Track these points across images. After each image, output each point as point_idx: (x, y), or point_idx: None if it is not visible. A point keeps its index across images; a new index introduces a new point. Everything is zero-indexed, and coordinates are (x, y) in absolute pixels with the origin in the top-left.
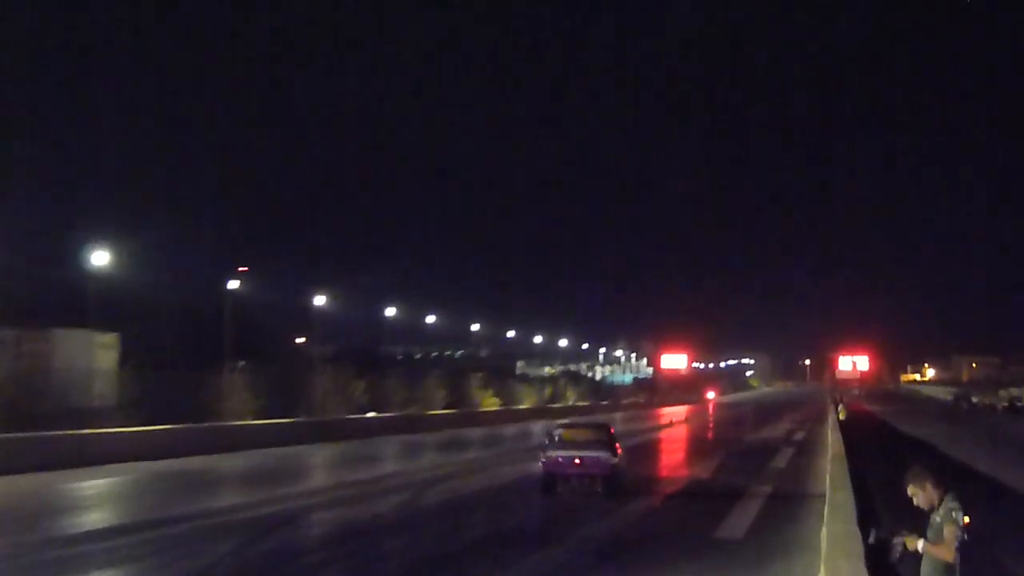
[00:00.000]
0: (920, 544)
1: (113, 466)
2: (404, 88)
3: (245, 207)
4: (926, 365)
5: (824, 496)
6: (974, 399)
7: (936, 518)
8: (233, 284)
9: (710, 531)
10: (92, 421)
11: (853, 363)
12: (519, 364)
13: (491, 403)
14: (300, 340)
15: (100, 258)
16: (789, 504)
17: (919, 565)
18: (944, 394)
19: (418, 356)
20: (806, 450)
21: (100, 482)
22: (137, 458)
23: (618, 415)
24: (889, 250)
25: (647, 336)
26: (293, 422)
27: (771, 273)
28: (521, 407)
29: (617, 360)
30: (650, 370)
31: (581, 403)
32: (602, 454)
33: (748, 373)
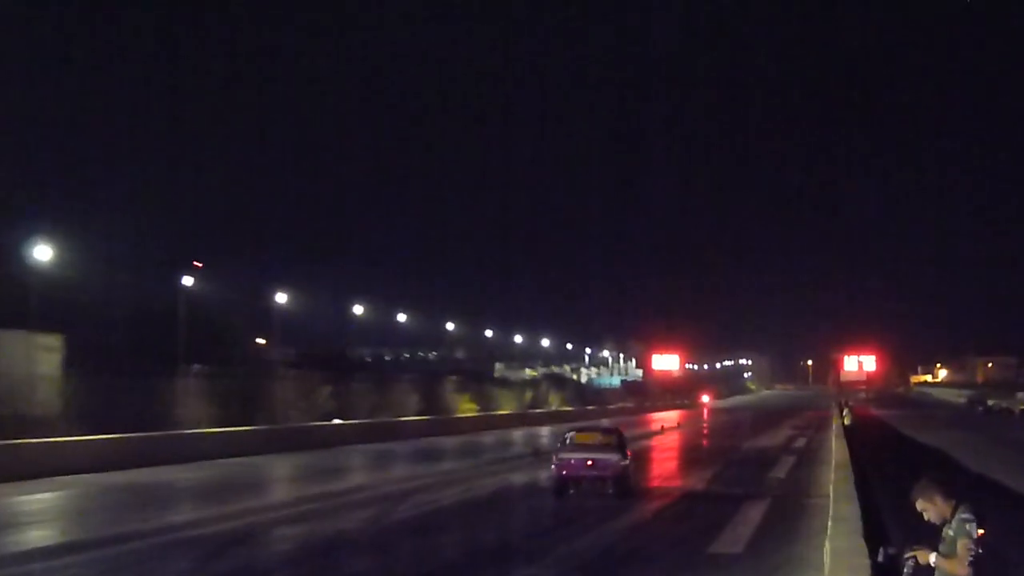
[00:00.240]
0: (933, 558)
1: (58, 479)
2: (371, 75)
3: (201, 199)
4: (938, 366)
5: (827, 509)
6: (990, 402)
7: (949, 531)
8: (188, 281)
9: (705, 546)
10: (34, 430)
11: (859, 363)
12: (498, 367)
13: (467, 409)
14: (261, 342)
15: (42, 253)
16: (790, 517)
17: None
18: (957, 397)
19: (388, 358)
20: (808, 459)
21: (44, 496)
22: (84, 470)
23: (605, 421)
24: (898, 244)
25: (636, 335)
26: (252, 431)
27: (771, 265)
28: (500, 413)
29: (604, 362)
30: (639, 372)
31: (565, 408)
32: (613, 456)
33: (746, 375)
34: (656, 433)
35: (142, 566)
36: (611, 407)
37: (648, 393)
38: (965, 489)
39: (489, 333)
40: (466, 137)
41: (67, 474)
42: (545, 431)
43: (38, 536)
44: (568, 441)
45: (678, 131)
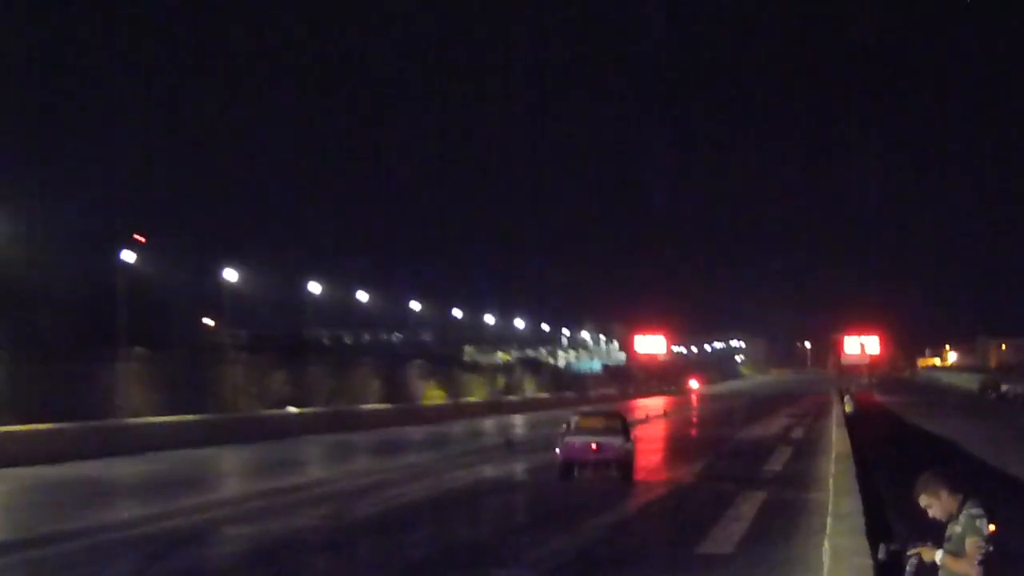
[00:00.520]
0: (938, 556)
1: None
2: (343, 51)
3: (143, 167)
4: (947, 348)
5: (827, 504)
6: (1003, 388)
7: (956, 528)
8: (128, 257)
9: (694, 545)
10: None
11: (861, 345)
12: (467, 350)
13: (434, 396)
14: (209, 323)
15: None
16: (786, 513)
17: None
18: (968, 382)
19: (348, 341)
20: (806, 450)
21: None
22: (15, 463)
23: (585, 409)
24: (903, 218)
25: (618, 316)
26: (200, 420)
27: (766, 240)
28: (470, 400)
29: (583, 344)
30: (622, 356)
31: (541, 395)
32: (616, 440)
33: (739, 358)
34: (640, 421)
35: (82, 567)
36: (591, 394)
37: (632, 378)
38: (970, 481)
39: (458, 313)
40: (441, 107)
41: None
42: (519, 420)
43: None
44: (573, 425)
45: (675, 106)
